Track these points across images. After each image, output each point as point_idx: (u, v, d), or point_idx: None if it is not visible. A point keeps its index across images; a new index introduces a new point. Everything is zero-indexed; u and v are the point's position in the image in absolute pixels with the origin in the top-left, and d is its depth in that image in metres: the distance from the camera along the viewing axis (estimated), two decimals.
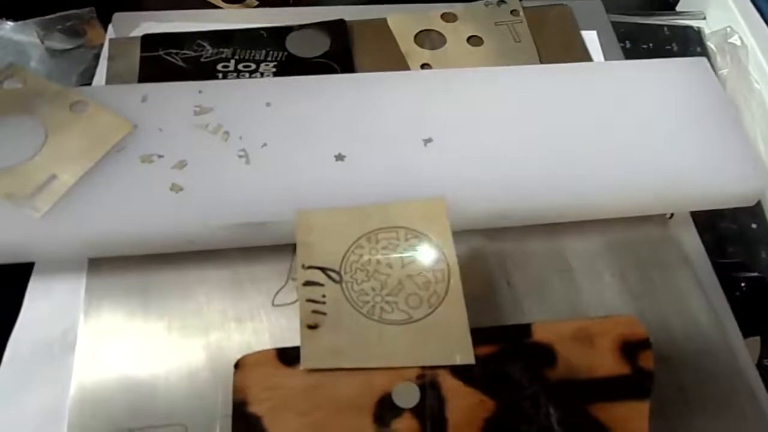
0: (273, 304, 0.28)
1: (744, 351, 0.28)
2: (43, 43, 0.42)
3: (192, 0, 0.48)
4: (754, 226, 0.38)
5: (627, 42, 0.45)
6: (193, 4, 0.48)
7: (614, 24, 0.44)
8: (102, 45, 0.39)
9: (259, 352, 0.24)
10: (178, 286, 0.28)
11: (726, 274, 0.31)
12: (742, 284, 0.32)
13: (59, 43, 0.42)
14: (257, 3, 0.50)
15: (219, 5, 0.49)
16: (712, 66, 0.44)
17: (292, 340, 0.24)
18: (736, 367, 0.27)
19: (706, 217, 0.33)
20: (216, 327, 0.27)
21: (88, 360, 0.26)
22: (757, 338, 0.32)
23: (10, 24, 0.41)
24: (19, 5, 0.43)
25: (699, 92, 0.33)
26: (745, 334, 0.30)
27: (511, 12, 0.39)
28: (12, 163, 0.28)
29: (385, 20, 0.38)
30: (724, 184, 0.30)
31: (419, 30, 0.38)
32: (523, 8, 0.39)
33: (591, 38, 0.38)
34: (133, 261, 0.28)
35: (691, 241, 0.31)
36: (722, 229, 0.38)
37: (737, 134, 0.31)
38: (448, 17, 0.38)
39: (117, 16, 0.38)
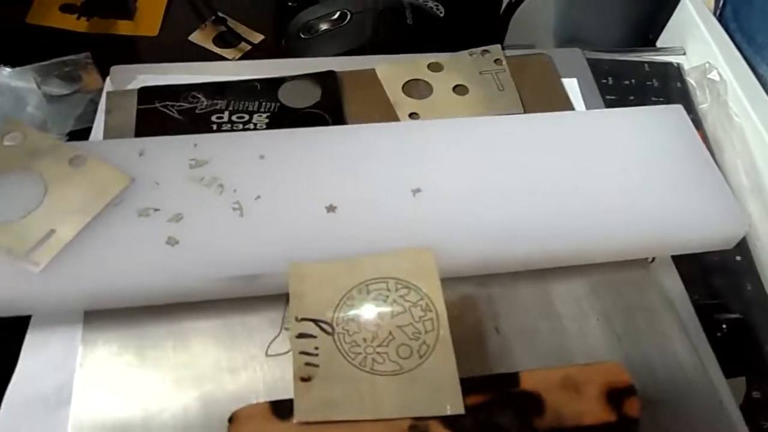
0: (267, 354, 0.28)
1: (727, 392, 0.29)
2: (40, 88, 0.42)
3: (191, 49, 0.50)
4: (738, 258, 0.39)
5: (609, 78, 0.46)
6: (192, 53, 0.49)
7: (597, 61, 0.45)
8: (98, 90, 0.39)
9: (252, 405, 0.24)
10: (173, 337, 0.28)
11: (707, 315, 0.31)
12: (723, 326, 0.33)
13: (56, 88, 0.43)
14: (249, 47, 0.51)
15: (217, 52, 0.50)
16: (693, 101, 0.45)
17: (286, 390, 0.24)
18: (719, 409, 0.28)
19: None
20: (210, 378, 0.27)
21: (84, 413, 0.26)
22: (743, 378, 0.33)
23: (8, 70, 0.42)
24: (18, 52, 0.44)
25: (676, 139, 0.34)
26: (729, 374, 0.30)
27: (495, 61, 0.40)
28: (12, 218, 0.29)
29: (374, 70, 0.39)
30: (704, 229, 0.31)
31: (407, 79, 0.39)
32: (506, 57, 0.41)
33: (571, 86, 0.40)
34: (128, 312, 0.29)
35: (673, 283, 0.32)
36: (706, 263, 0.38)
37: (715, 180, 0.32)
38: (434, 67, 0.40)
39: (114, 69, 0.39)
